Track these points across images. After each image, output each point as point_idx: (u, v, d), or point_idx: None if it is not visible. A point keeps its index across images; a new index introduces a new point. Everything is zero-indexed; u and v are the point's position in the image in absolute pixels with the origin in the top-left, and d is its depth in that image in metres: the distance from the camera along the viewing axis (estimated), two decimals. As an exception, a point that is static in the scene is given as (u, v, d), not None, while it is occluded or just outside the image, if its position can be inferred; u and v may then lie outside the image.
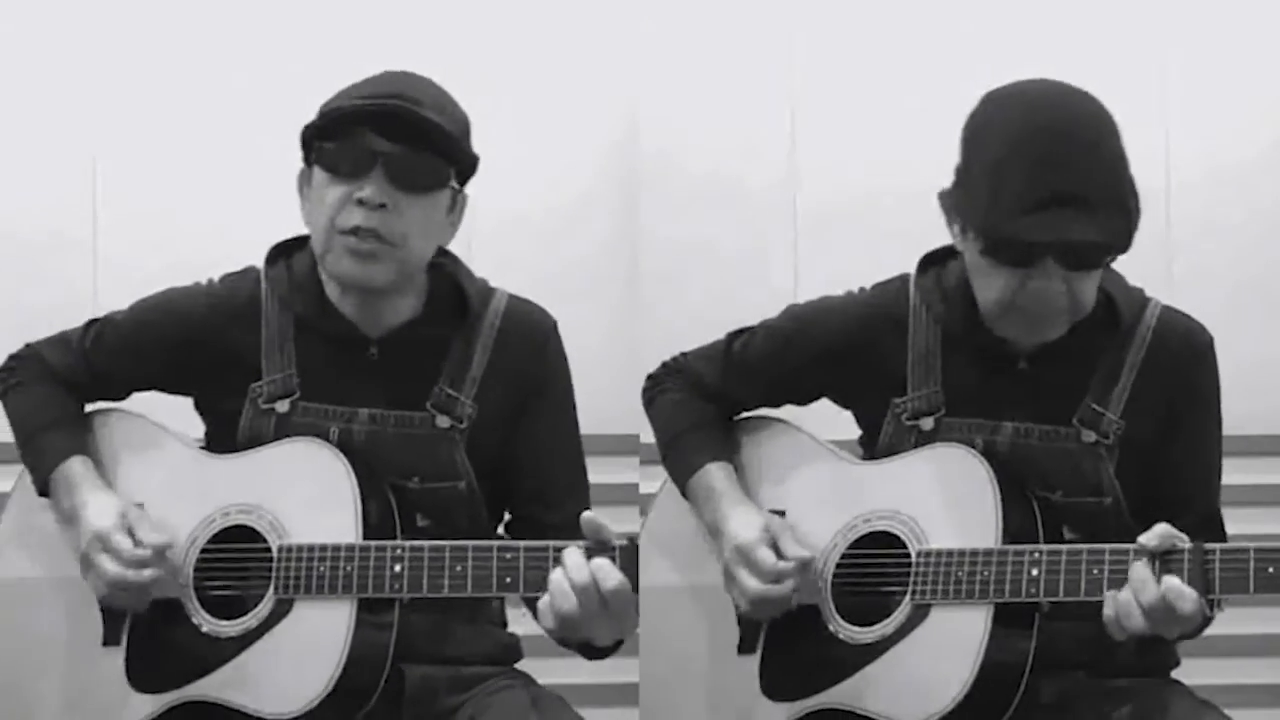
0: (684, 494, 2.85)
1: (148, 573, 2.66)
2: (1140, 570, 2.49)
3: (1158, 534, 2.51)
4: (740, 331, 2.89)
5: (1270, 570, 2.45)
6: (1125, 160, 2.62)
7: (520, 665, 2.82)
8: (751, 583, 2.70)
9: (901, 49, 3.78)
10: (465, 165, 2.75)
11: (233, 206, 3.70)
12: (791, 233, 3.82)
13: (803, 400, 2.90)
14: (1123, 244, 2.61)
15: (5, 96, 3.77)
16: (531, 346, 2.81)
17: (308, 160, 2.74)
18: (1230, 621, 3.47)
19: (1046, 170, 2.57)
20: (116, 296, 2.88)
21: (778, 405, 2.90)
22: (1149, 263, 3.68)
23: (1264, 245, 3.81)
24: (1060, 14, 3.80)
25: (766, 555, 2.70)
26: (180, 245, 3.63)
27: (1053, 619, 2.60)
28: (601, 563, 2.50)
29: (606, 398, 3.42)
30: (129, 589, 2.66)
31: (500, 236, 3.61)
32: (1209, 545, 2.49)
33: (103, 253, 3.77)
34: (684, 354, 2.93)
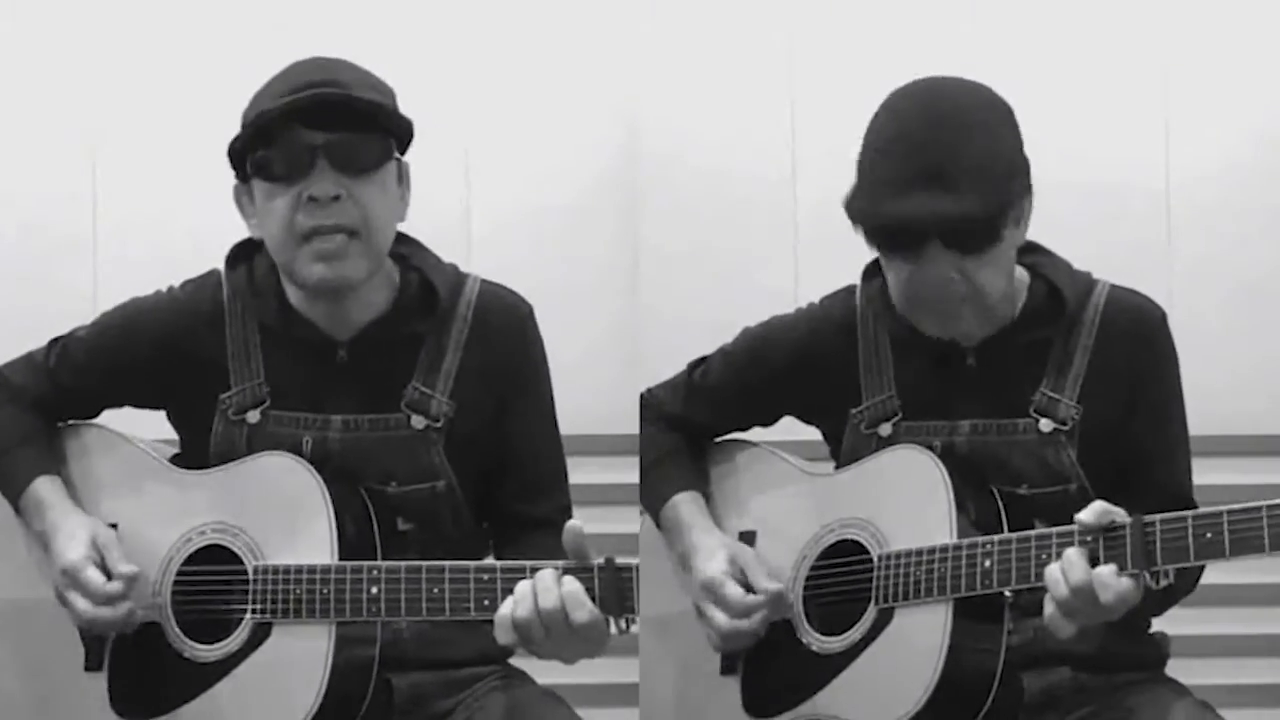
0: (658, 526, 2.83)
1: (123, 607, 2.59)
2: (1071, 554, 2.47)
3: (1094, 510, 2.48)
4: (700, 360, 2.89)
5: (1209, 535, 2.42)
6: (1006, 142, 2.59)
7: (520, 664, 2.78)
8: (721, 619, 2.68)
9: (902, 50, 3.77)
10: (403, 134, 2.66)
11: (233, 207, 3.70)
12: (791, 233, 3.82)
13: (766, 421, 2.90)
14: (989, 218, 2.55)
15: (5, 96, 3.77)
16: (508, 337, 2.73)
17: (242, 175, 2.66)
18: (1230, 621, 3.47)
19: (909, 151, 2.56)
20: (116, 296, 2.85)
21: (743, 428, 2.90)
22: (1149, 263, 3.72)
23: (1264, 245, 3.80)
24: (1061, 15, 3.80)
25: (734, 591, 2.67)
26: (180, 245, 3.62)
27: (1036, 614, 2.56)
28: (574, 590, 2.44)
29: (606, 398, 3.43)
30: (105, 625, 2.61)
31: (500, 237, 3.60)
32: (1148, 517, 2.46)
33: (103, 253, 3.77)
34: (650, 389, 2.92)
